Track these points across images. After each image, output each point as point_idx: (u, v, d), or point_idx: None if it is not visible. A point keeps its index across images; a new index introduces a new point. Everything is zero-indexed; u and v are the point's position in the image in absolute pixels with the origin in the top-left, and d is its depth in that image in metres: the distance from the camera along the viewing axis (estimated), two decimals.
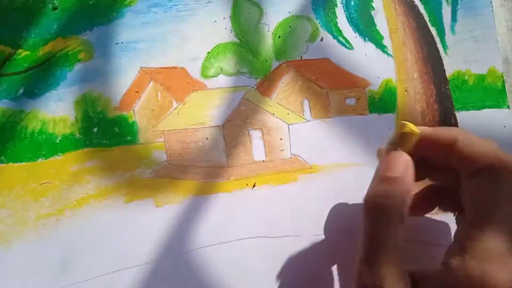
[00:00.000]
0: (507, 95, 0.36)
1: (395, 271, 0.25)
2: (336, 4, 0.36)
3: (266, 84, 0.34)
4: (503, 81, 0.36)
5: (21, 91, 0.31)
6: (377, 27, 0.36)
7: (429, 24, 0.36)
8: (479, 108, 0.35)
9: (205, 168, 0.33)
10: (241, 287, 0.32)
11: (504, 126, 0.35)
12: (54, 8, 0.31)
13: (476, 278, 0.23)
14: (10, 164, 0.30)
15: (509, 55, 0.36)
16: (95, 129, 0.32)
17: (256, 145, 0.34)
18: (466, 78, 0.36)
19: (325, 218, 0.33)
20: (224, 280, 0.32)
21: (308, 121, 0.34)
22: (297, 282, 0.32)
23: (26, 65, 0.31)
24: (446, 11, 0.36)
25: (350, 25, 0.35)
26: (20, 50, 0.31)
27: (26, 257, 0.30)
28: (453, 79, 0.35)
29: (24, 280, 0.30)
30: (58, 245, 0.30)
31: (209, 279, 0.32)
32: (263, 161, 0.34)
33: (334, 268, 0.33)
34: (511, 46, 0.36)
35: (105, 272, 0.31)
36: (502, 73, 0.36)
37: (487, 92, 0.35)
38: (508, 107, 0.35)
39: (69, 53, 0.31)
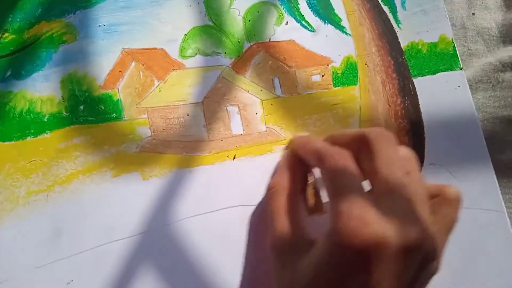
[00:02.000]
0: (464, 57, 0.40)
1: (286, 232, 0.29)
2: None
3: (239, 63, 0.37)
4: (454, 46, 0.39)
5: (8, 73, 0.32)
6: (335, 11, 0.39)
7: (381, 3, 0.40)
8: (434, 72, 0.39)
9: (188, 143, 0.35)
10: (225, 254, 0.33)
11: (459, 86, 0.39)
12: None
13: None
14: (0, 143, 0.31)
15: (465, 21, 0.41)
16: (81, 107, 0.33)
17: (234, 120, 0.36)
18: (420, 47, 0.39)
19: None
20: (209, 248, 0.33)
21: (279, 96, 0.37)
22: None
23: (12, 48, 0.32)
24: None
25: (311, 10, 0.39)
26: (6, 34, 0.32)
27: (18, 233, 0.30)
28: (408, 49, 0.39)
29: (16, 256, 0.30)
30: (48, 220, 0.31)
31: (196, 247, 0.33)
32: (241, 134, 0.36)
33: None
34: (466, 13, 0.41)
35: (95, 245, 0.31)
36: (452, 38, 0.40)
37: (440, 57, 0.39)
38: (461, 69, 0.39)
39: (54, 35, 0.33)
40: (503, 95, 0.40)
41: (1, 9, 0.32)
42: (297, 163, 0.33)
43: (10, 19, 0.32)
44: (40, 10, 0.33)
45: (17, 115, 0.32)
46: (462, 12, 0.41)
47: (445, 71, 0.39)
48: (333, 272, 0.25)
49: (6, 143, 0.31)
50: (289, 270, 0.28)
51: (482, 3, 0.41)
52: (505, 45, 0.41)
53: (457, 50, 0.40)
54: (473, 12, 0.41)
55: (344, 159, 0.28)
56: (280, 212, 0.30)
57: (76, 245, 0.31)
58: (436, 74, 0.39)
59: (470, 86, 0.39)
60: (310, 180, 0.33)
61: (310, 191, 0.33)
